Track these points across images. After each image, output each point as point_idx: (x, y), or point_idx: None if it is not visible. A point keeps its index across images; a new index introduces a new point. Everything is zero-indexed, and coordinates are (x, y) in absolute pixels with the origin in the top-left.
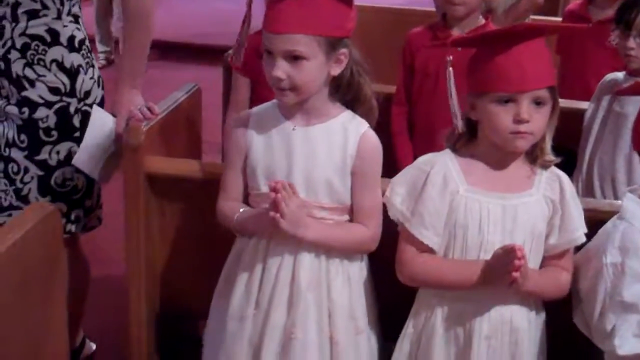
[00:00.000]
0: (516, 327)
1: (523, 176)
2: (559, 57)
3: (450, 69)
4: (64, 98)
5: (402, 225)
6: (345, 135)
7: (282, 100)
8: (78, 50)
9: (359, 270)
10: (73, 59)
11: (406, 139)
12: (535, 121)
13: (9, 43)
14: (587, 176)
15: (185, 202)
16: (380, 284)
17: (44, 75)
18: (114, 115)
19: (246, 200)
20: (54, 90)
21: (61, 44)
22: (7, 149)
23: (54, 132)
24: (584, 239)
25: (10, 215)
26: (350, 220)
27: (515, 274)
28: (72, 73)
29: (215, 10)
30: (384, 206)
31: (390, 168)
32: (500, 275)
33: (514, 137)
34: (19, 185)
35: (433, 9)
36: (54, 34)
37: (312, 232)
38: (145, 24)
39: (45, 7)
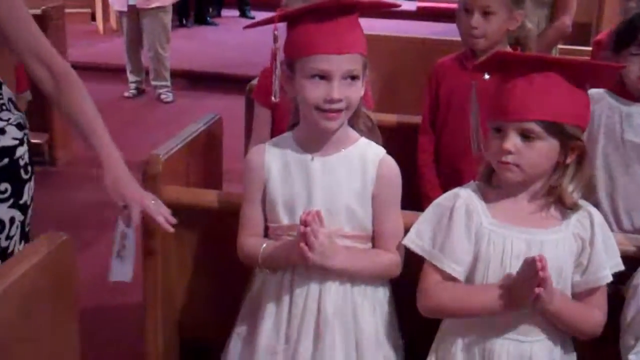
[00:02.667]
0: None
1: (548, 211)
2: None
3: (474, 94)
4: (25, 131)
5: (430, 263)
6: (364, 161)
7: (328, 124)
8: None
9: (383, 295)
10: (9, 90)
11: (432, 172)
12: (523, 155)
13: None
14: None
15: (203, 231)
16: (403, 312)
17: (9, 117)
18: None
19: (266, 233)
20: (19, 126)
21: (2, 82)
22: None
23: (29, 167)
24: (609, 279)
25: None
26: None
27: (539, 290)
28: (16, 103)
29: (243, 41)
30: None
31: (414, 197)
32: (523, 293)
33: (500, 168)
34: (4, 243)
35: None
36: None
37: (339, 261)
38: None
39: None
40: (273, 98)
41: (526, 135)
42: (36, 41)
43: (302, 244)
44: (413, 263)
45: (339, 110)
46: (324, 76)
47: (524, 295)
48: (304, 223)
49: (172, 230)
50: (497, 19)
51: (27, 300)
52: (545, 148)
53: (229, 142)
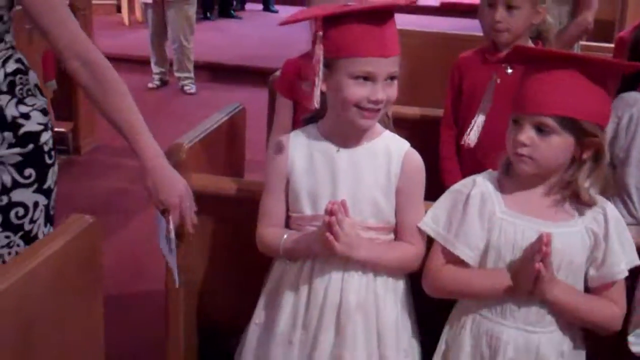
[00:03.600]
0: (543, 356)
1: (562, 205)
2: None
3: (492, 85)
4: (48, 115)
5: (440, 244)
6: (389, 154)
7: (366, 122)
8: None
9: (404, 286)
10: (35, 75)
11: (455, 164)
12: (538, 148)
13: None
14: None
15: (226, 218)
16: (421, 302)
17: (35, 103)
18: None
19: (286, 224)
20: (44, 112)
21: (29, 67)
22: (3, 197)
23: (53, 152)
24: (625, 274)
25: None
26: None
27: (539, 265)
28: (41, 89)
29: (266, 34)
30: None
31: (436, 189)
32: (526, 273)
33: (515, 159)
34: (28, 227)
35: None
36: (21, 60)
37: (364, 252)
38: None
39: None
40: (315, 104)
41: (541, 129)
42: (72, 35)
43: (328, 234)
44: (428, 252)
45: (378, 110)
46: (368, 77)
47: (525, 275)
48: (330, 212)
49: (192, 231)
50: (521, 13)
51: (54, 281)
52: (560, 143)
53: (250, 134)
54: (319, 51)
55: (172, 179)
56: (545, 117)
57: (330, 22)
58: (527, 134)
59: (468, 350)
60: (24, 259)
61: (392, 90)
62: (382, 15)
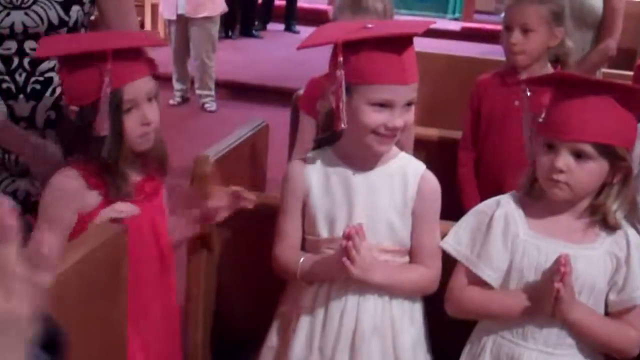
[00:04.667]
0: None
1: (588, 228)
2: None
3: (526, 108)
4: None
5: (463, 265)
6: (405, 176)
7: (382, 148)
8: None
9: (419, 309)
10: None
11: (474, 188)
12: (574, 174)
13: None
14: None
15: (247, 232)
16: (434, 322)
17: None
18: None
19: (302, 246)
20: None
21: None
22: None
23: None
24: None
25: None
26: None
27: (558, 284)
28: None
29: (287, 55)
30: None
31: (455, 210)
32: (545, 293)
33: (549, 184)
34: None
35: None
36: None
37: (379, 276)
38: None
39: None
40: (342, 125)
41: (579, 155)
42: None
43: (345, 258)
44: (443, 273)
45: (395, 135)
46: (386, 104)
47: (545, 295)
48: (347, 237)
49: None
50: (537, 36)
51: (80, 287)
52: (596, 168)
53: (270, 153)
54: (341, 77)
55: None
56: (585, 144)
57: (350, 47)
58: (565, 161)
59: None
60: None
61: (409, 116)
62: (402, 42)
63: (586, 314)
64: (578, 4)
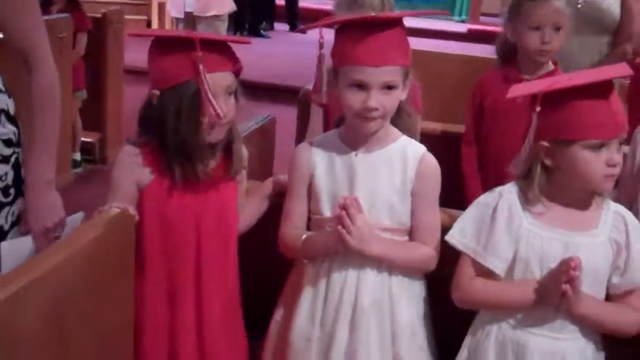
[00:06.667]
0: None
1: (589, 214)
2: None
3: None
4: (15, 149)
5: (469, 256)
6: (405, 158)
7: (366, 127)
8: (9, 95)
9: (419, 289)
10: (13, 104)
11: (477, 183)
12: (620, 163)
13: None
14: None
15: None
16: (437, 308)
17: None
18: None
19: (308, 226)
20: (7, 143)
21: (1, 91)
22: None
23: (12, 190)
24: None
25: None
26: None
27: (566, 286)
28: (15, 120)
29: (293, 53)
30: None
31: (457, 202)
32: (553, 290)
33: (606, 180)
34: None
35: None
36: None
37: (376, 248)
38: (58, 104)
39: None
40: (322, 99)
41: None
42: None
43: (340, 227)
44: (447, 261)
45: (374, 117)
46: (361, 85)
47: (552, 291)
48: (342, 207)
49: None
50: (563, 33)
51: (87, 269)
52: None
53: (276, 149)
54: (322, 56)
55: (46, 207)
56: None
57: (338, 32)
58: (619, 154)
59: (492, 358)
60: (58, 249)
61: (388, 99)
62: (380, 25)
63: (591, 308)
64: (595, 8)
